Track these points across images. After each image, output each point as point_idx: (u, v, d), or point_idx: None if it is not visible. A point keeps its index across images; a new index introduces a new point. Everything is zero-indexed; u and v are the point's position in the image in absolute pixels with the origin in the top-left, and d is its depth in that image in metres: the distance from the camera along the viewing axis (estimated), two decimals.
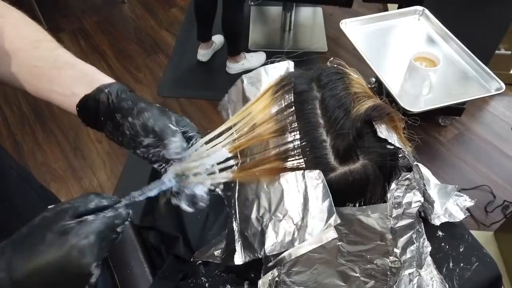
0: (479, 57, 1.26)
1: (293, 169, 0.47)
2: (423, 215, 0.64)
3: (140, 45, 2.55)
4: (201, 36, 2.32)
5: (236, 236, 0.50)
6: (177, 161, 0.53)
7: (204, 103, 2.20)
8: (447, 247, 0.66)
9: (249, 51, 2.43)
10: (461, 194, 0.70)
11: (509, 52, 2.14)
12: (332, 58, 0.57)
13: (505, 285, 1.52)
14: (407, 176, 0.51)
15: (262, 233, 0.46)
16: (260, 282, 0.52)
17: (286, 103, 0.50)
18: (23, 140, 2.03)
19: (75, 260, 0.41)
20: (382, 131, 0.48)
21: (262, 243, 0.45)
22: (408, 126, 0.56)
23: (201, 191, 0.53)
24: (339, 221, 0.42)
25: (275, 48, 2.50)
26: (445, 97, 1.20)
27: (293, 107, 0.49)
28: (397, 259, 0.51)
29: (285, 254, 0.46)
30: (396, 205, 0.52)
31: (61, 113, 2.11)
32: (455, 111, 1.94)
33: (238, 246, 0.49)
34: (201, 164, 0.52)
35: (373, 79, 1.82)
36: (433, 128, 2.08)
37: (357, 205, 0.50)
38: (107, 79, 0.56)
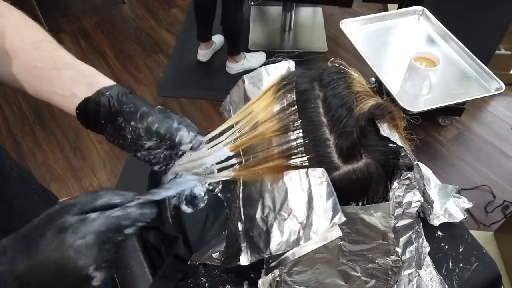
0: (479, 57, 1.26)
1: (296, 167, 0.47)
2: (422, 216, 0.64)
3: (140, 45, 2.55)
4: (201, 36, 2.32)
5: (242, 237, 0.50)
6: (177, 163, 0.53)
7: (204, 103, 2.20)
8: (446, 247, 0.66)
9: (249, 51, 2.43)
10: (460, 196, 0.70)
11: (509, 52, 2.14)
12: (332, 58, 0.58)
13: (505, 285, 1.52)
14: (408, 176, 0.51)
15: (267, 233, 0.46)
16: (260, 282, 0.52)
17: (288, 102, 0.50)
18: (23, 140, 2.03)
19: (71, 261, 0.38)
20: (385, 129, 0.49)
21: (268, 242, 0.45)
22: (408, 126, 0.56)
23: (199, 191, 0.52)
24: (344, 219, 0.42)
25: (275, 48, 2.50)
26: (445, 97, 1.20)
27: (295, 106, 0.49)
28: (399, 258, 0.51)
29: (289, 253, 0.46)
30: (396, 205, 0.52)
31: (61, 113, 2.11)
32: (455, 111, 1.94)
33: (243, 247, 0.49)
34: (202, 164, 0.52)
35: (373, 79, 1.81)
36: (433, 128, 2.08)
37: (359, 204, 0.50)
38: (108, 81, 0.56)
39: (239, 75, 0.59)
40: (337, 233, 0.43)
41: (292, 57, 0.59)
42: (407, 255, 0.55)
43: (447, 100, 1.19)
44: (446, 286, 0.61)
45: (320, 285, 0.50)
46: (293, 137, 0.48)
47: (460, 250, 0.67)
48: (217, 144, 0.52)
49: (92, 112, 0.53)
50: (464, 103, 1.88)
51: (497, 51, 1.95)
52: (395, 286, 0.53)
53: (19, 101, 2.17)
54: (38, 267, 0.39)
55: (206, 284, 0.67)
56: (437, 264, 0.62)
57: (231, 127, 0.52)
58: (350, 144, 0.47)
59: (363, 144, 0.48)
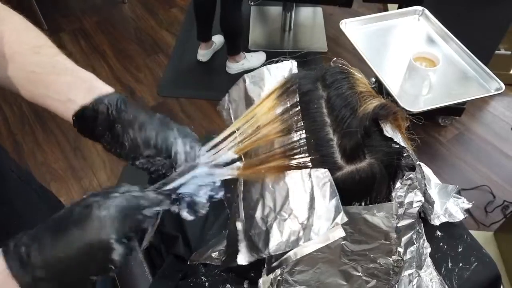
0: (479, 57, 1.26)
1: (299, 167, 0.47)
2: (423, 215, 0.64)
3: (140, 45, 2.55)
4: (201, 36, 2.32)
5: (241, 236, 0.50)
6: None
7: (204, 103, 2.20)
8: (445, 247, 0.66)
9: (249, 51, 2.43)
10: (459, 196, 0.70)
11: (509, 52, 2.14)
12: (335, 58, 0.58)
13: (504, 285, 1.52)
14: (410, 176, 0.51)
15: (267, 233, 0.46)
16: (260, 281, 0.52)
17: (291, 103, 0.50)
18: (23, 140, 2.03)
19: (95, 230, 0.41)
20: (388, 130, 0.49)
21: (267, 242, 0.45)
22: (409, 126, 0.57)
23: (202, 198, 0.52)
24: (346, 220, 0.42)
25: (275, 48, 2.50)
26: (445, 97, 1.20)
27: (299, 107, 0.49)
28: (400, 258, 0.51)
29: (290, 253, 0.46)
30: (398, 205, 0.52)
31: None
32: (455, 111, 1.94)
33: (242, 247, 0.49)
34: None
35: (373, 79, 1.81)
36: (433, 128, 2.08)
37: (362, 204, 0.50)
38: (106, 88, 0.56)
39: (239, 75, 0.59)
40: (340, 233, 0.43)
41: (292, 58, 0.59)
42: (408, 256, 0.55)
43: (447, 100, 1.19)
44: (446, 286, 0.61)
45: (321, 285, 0.50)
46: (296, 137, 0.48)
47: (459, 250, 0.67)
48: (221, 149, 0.52)
49: (89, 119, 0.53)
50: (464, 103, 1.88)
51: (497, 51, 1.95)
52: (396, 286, 0.53)
53: (19, 101, 2.17)
54: (66, 243, 0.41)
55: (206, 284, 0.67)
56: (436, 264, 0.62)
57: (235, 132, 0.52)
58: (354, 144, 0.47)
59: (366, 145, 0.48)
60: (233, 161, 0.51)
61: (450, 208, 0.67)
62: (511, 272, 1.52)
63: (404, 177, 0.51)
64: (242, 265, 0.49)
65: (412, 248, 0.55)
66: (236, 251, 0.49)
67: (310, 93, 0.50)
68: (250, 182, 0.52)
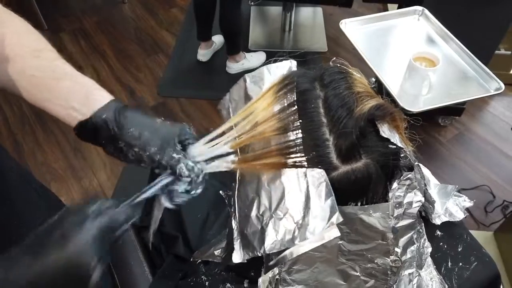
0: (479, 57, 1.26)
1: (295, 166, 0.48)
2: (424, 215, 0.64)
3: (140, 45, 2.55)
4: (201, 35, 2.32)
5: (235, 235, 0.50)
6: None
7: (204, 103, 2.21)
8: (445, 246, 0.67)
9: (249, 51, 2.43)
10: (460, 195, 0.70)
11: (509, 52, 2.14)
12: (334, 58, 0.58)
13: (504, 285, 1.52)
14: (408, 176, 0.51)
15: (262, 231, 0.46)
16: (260, 280, 0.52)
17: (288, 102, 0.50)
18: (24, 140, 2.03)
19: (75, 255, 0.43)
20: (385, 130, 0.49)
21: (262, 241, 0.45)
22: (408, 126, 0.57)
23: (178, 187, 0.54)
24: (341, 220, 0.42)
25: (275, 48, 2.50)
26: (445, 97, 1.20)
27: (296, 106, 0.49)
28: (398, 259, 0.51)
29: (287, 252, 0.47)
30: (397, 205, 0.52)
31: None
32: (455, 111, 1.94)
33: (237, 245, 0.49)
34: (202, 160, 0.53)
35: (373, 79, 1.81)
36: (433, 128, 2.08)
37: (359, 204, 0.50)
38: (104, 96, 0.56)
39: (239, 75, 0.59)
40: (335, 233, 0.43)
41: (292, 57, 0.59)
42: (408, 255, 0.55)
43: (447, 100, 1.19)
44: (446, 286, 0.61)
45: (319, 284, 0.50)
46: (292, 137, 0.48)
47: (459, 249, 0.67)
48: (217, 143, 0.52)
49: (89, 132, 0.54)
50: (464, 103, 1.88)
51: (497, 51, 1.95)
52: (394, 286, 0.53)
53: (19, 101, 2.17)
54: (46, 269, 0.42)
55: (207, 283, 0.67)
56: (436, 263, 0.62)
57: (232, 127, 0.53)
58: (349, 144, 0.47)
59: (362, 145, 0.48)
60: (227, 154, 0.52)
61: (450, 207, 0.67)
62: (511, 272, 1.52)
63: (402, 177, 0.51)
64: (242, 265, 0.49)
65: (412, 248, 0.55)
66: (233, 249, 0.49)
67: (307, 93, 0.51)
68: (246, 180, 0.52)
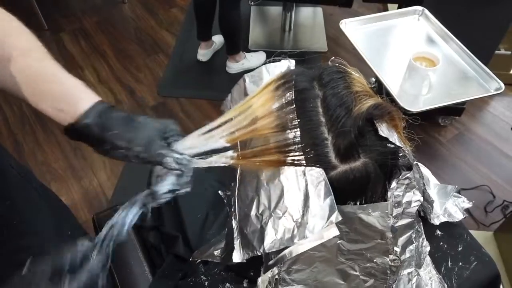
0: (479, 57, 1.26)
1: (294, 164, 0.48)
2: (423, 215, 0.64)
3: (140, 45, 2.55)
4: (201, 35, 2.32)
5: (235, 234, 0.50)
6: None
7: (204, 103, 2.21)
8: (445, 246, 0.67)
9: (249, 51, 2.43)
10: (460, 196, 0.70)
11: (509, 52, 2.14)
12: (333, 57, 0.58)
13: (504, 285, 1.52)
14: (407, 175, 0.51)
15: (262, 231, 0.46)
16: (259, 280, 0.52)
17: (286, 101, 0.50)
18: (24, 140, 2.03)
19: None
20: (383, 129, 0.49)
21: (262, 240, 0.45)
22: (408, 126, 0.57)
23: (163, 188, 0.55)
24: (340, 219, 0.42)
25: (275, 48, 2.50)
26: (445, 97, 1.20)
27: (294, 105, 0.49)
28: (397, 258, 0.51)
29: (286, 252, 0.47)
30: (396, 204, 0.52)
31: None
32: (455, 111, 1.94)
33: (236, 244, 0.49)
34: (196, 152, 0.54)
35: (373, 79, 1.81)
36: (433, 128, 2.08)
37: (358, 203, 0.50)
38: (89, 98, 0.57)
39: (239, 75, 0.59)
40: (334, 232, 0.43)
41: (292, 57, 0.59)
42: (407, 254, 0.55)
43: (447, 100, 1.19)
44: (445, 285, 0.61)
45: (318, 284, 0.50)
46: (291, 135, 0.48)
47: (459, 249, 0.67)
48: (213, 136, 0.53)
49: (76, 134, 0.55)
50: (464, 103, 1.88)
51: (497, 51, 1.95)
52: (393, 285, 0.53)
53: (19, 101, 2.17)
54: None
55: (206, 283, 0.67)
56: (436, 263, 0.62)
57: (229, 120, 0.53)
58: (348, 144, 0.47)
59: (360, 144, 0.48)
60: (225, 149, 0.52)
61: (449, 208, 0.67)
62: (511, 272, 1.52)
63: (401, 176, 0.51)
64: (241, 264, 0.49)
65: (411, 247, 0.55)
66: (233, 249, 0.49)
67: (306, 92, 0.51)
68: (246, 180, 0.52)
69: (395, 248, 0.51)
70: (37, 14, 2.52)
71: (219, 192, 0.85)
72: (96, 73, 2.36)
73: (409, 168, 0.53)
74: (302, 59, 2.34)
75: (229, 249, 0.52)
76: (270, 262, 0.49)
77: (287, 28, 2.61)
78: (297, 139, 0.48)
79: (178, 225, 0.84)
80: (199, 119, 2.13)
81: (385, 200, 0.52)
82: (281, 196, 0.46)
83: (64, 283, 0.46)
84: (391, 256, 0.50)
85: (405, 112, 1.14)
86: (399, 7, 1.78)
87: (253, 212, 0.48)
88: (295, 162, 0.48)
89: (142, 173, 0.85)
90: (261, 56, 2.38)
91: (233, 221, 0.52)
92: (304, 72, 0.54)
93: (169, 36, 2.62)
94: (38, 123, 2.09)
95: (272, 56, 0.59)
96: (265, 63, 0.59)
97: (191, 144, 0.54)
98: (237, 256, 0.49)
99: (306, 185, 0.45)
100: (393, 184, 0.51)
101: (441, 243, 0.67)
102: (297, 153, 0.48)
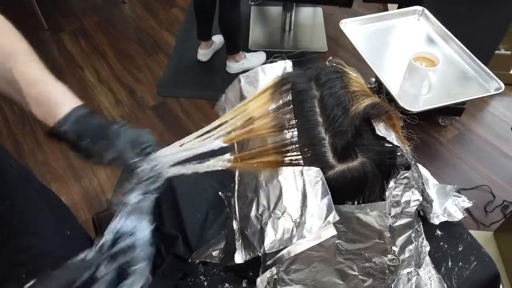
0: (479, 57, 1.26)
1: (291, 164, 0.48)
2: (422, 214, 0.64)
3: (140, 45, 2.55)
4: (201, 35, 2.32)
5: (237, 235, 0.50)
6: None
7: (204, 103, 2.21)
8: (446, 246, 0.67)
9: (249, 51, 2.43)
10: (460, 195, 0.70)
11: (509, 52, 2.14)
12: (331, 57, 0.58)
13: (504, 285, 1.51)
14: (405, 175, 0.51)
15: (262, 231, 0.46)
16: (258, 280, 0.52)
17: (284, 102, 0.50)
18: (24, 140, 2.03)
19: None
20: (381, 129, 0.49)
21: (262, 240, 0.46)
22: (407, 126, 0.57)
23: (133, 198, 0.55)
24: (338, 218, 0.42)
25: (275, 48, 2.50)
26: (445, 97, 1.20)
27: (291, 105, 0.50)
28: (395, 257, 0.51)
29: (284, 252, 0.47)
30: (394, 204, 0.52)
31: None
32: (455, 111, 1.94)
33: (238, 245, 0.49)
34: (193, 154, 0.54)
35: (373, 79, 1.81)
36: (433, 128, 2.08)
37: (355, 203, 0.50)
38: (68, 103, 0.57)
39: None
40: (331, 232, 0.43)
41: (292, 57, 0.59)
42: (406, 254, 0.55)
43: (447, 100, 1.19)
44: (445, 285, 0.61)
45: (317, 284, 0.50)
46: (288, 135, 0.48)
47: (460, 249, 0.67)
48: (209, 137, 0.53)
49: (58, 139, 0.57)
50: (464, 103, 1.88)
51: (497, 51, 1.95)
52: (392, 285, 0.53)
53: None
54: None
55: (205, 283, 0.67)
56: (436, 263, 0.62)
57: (225, 122, 0.53)
58: (345, 143, 0.47)
59: (358, 144, 0.48)
60: (222, 151, 0.52)
61: (449, 208, 0.67)
62: (511, 272, 1.52)
63: (399, 176, 0.51)
64: (240, 265, 0.49)
65: (410, 247, 0.55)
66: (233, 250, 0.49)
67: (303, 93, 0.51)
68: (245, 181, 0.52)
69: (393, 248, 0.51)
70: (37, 14, 2.52)
71: (220, 193, 0.85)
72: (96, 73, 2.36)
73: (408, 167, 0.53)
74: (302, 59, 2.34)
75: (229, 250, 0.52)
76: (269, 262, 0.49)
77: (287, 28, 2.61)
78: (294, 139, 0.48)
79: (178, 225, 0.84)
80: (199, 119, 2.13)
81: (383, 199, 0.51)
82: (279, 196, 0.46)
83: None
84: (389, 256, 0.50)
85: (403, 111, 1.14)
86: (399, 7, 1.78)
87: (253, 213, 0.48)
88: (293, 162, 0.48)
89: None
90: (261, 56, 2.38)
91: (234, 222, 0.52)
92: (302, 74, 0.54)
93: (169, 36, 2.62)
94: (38, 123, 2.07)
95: (272, 56, 0.59)
96: (265, 63, 0.59)
97: (171, 152, 0.55)
98: (239, 257, 0.49)
99: (304, 185, 0.45)
100: (391, 183, 0.51)
101: (441, 243, 0.67)
102: (294, 153, 0.48)
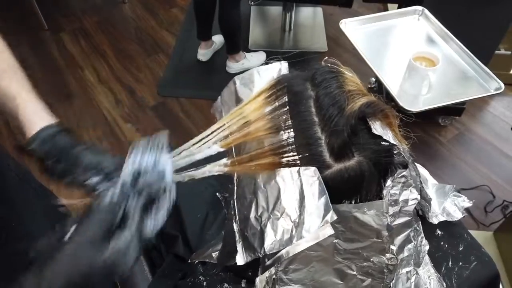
0: (479, 57, 1.26)
1: (288, 165, 0.48)
2: (421, 214, 0.64)
3: (140, 45, 2.55)
4: (201, 35, 2.32)
5: (237, 237, 0.50)
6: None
7: (204, 103, 2.21)
8: (446, 246, 0.67)
9: (249, 51, 2.43)
10: (460, 195, 0.70)
11: (509, 52, 2.14)
12: (326, 57, 0.58)
13: (504, 285, 1.51)
14: (403, 173, 0.51)
15: (262, 232, 0.46)
16: (257, 280, 0.52)
17: (280, 103, 0.50)
18: (24, 140, 2.03)
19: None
20: (377, 128, 0.49)
21: (262, 242, 0.46)
22: (406, 125, 0.56)
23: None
24: (335, 218, 0.42)
25: (275, 48, 2.50)
26: (444, 97, 1.20)
27: (287, 107, 0.50)
28: (394, 256, 0.51)
29: (283, 252, 0.47)
30: (392, 203, 0.52)
31: (60, 113, 2.11)
32: (455, 111, 1.94)
33: (239, 247, 0.49)
34: (191, 160, 0.54)
35: (373, 79, 1.81)
36: (433, 128, 2.07)
37: (353, 202, 0.50)
38: (38, 122, 0.59)
39: None
40: (329, 231, 0.43)
41: (292, 57, 0.59)
42: (405, 253, 0.55)
43: (447, 100, 1.19)
44: (444, 284, 0.61)
45: (316, 283, 0.50)
46: (285, 136, 0.49)
47: (460, 249, 0.67)
48: (206, 142, 0.53)
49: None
50: (464, 103, 1.88)
51: (497, 51, 1.95)
52: (391, 284, 0.53)
53: None
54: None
55: (204, 283, 0.67)
56: (436, 263, 0.62)
57: (221, 127, 0.53)
58: (341, 142, 0.47)
59: (354, 143, 0.48)
60: (219, 156, 0.52)
61: (448, 207, 0.67)
62: (511, 272, 1.52)
63: (396, 175, 0.51)
64: (239, 265, 0.49)
65: (409, 246, 0.55)
66: (232, 251, 0.49)
67: (299, 93, 0.51)
68: (243, 183, 0.52)
69: (392, 247, 0.51)
70: (37, 14, 2.53)
71: (217, 194, 0.85)
72: (96, 73, 2.36)
73: (405, 166, 0.53)
74: (302, 60, 2.34)
75: (225, 251, 0.52)
76: (268, 263, 0.50)
77: (287, 28, 2.61)
78: (291, 140, 0.48)
79: (178, 225, 0.84)
80: (199, 119, 2.13)
81: (381, 198, 0.51)
82: (278, 197, 0.46)
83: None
84: (387, 255, 0.50)
85: (401, 110, 1.14)
86: (399, 7, 1.78)
87: (252, 215, 0.48)
88: (290, 163, 0.48)
89: None
90: (261, 56, 2.38)
91: (234, 224, 0.52)
92: (298, 76, 0.54)
93: (169, 36, 2.62)
94: None
95: (273, 57, 0.59)
96: (265, 63, 0.59)
97: (187, 152, 0.55)
98: (240, 259, 0.49)
99: (302, 184, 0.45)
100: (389, 182, 0.51)
101: (442, 243, 0.67)
102: (291, 154, 0.48)
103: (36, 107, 0.60)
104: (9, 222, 0.75)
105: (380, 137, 0.48)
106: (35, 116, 0.59)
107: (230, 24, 2.15)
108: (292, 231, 0.44)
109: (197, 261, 0.71)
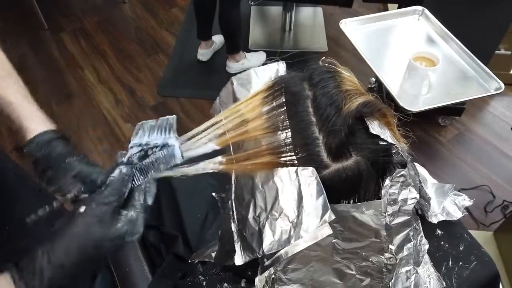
0: (479, 57, 1.26)
1: (286, 165, 0.48)
2: (420, 213, 0.64)
3: (140, 45, 2.55)
4: (201, 35, 2.32)
5: (235, 237, 0.50)
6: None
7: (204, 103, 2.21)
8: (446, 245, 0.66)
9: (249, 51, 2.43)
10: (460, 194, 0.70)
11: (509, 52, 2.14)
12: (323, 57, 0.58)
13: (504, 285, 1.51)
14: (402, 173, 0.51)
15: (260, 233, 0.46)
16: (257, 279, 0.52)
17: (277, 103, 0.50)
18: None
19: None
20: (375, 127, 0.49)
21: (260, 242, 0.46)
22: (405, 124, 0.56)
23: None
24: (333, 217, 0.42)
25: (275, 48, 2.50)
26: (444, 97, 1.20)
27: (285, 107, 0.50)
28: (392, 256, 0.51)
29: (282, 252, 0.47)
30: (391, 202, 0.52)
31: (60, 113, 2.12)
32: (455, 111, 1.94)
33: (237, 247, 0.49)
34: (187, 157, 0.54)
35: (373, 79, 1.81)
36: (433, 128, 2.07)
37: (351, 202, 0.50)
38: (33, 128, 0.60)
39: None
40: (327, 231, 0.43)
41: (292, 57, 0.59)
42: (405, 252, 0.55)
43: (447, 100, 1.19)
44: (444, 283, 0.61)
45: (315, 283, 0.50)
46: (282, 136, 0.49)
47: (461, 248, 0.67)
48: (201, 139, 0.53)
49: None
50: (464, 103, 1.88)
51: (497, 51, 1.94)
52: (390, 283, 0.53)
53: None
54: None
55: (204, 283, 0.67)
56: (437, 262, 0.62)
57: (218, 122, 0.53)
58: (339, 142, 0.47)
59: (351, 142, 0.48)
60: (216, 153, 0.53)
61: (447, 207, 0.67)
62: (511, 272, 1.52)
63: (395, 174, 0.51)
64: (238, 264, 0.49)
65: (409, 245, 0.55)
66: (230, 251, 0.49)
67: (296, 94, 0.51)
68: (241, 183, 0.52)
69: (390, 246, 0.51)
70: (37, 14, 2.53)
71: (213, 194, 0.86)
72: (96, 73, 2.36)
73: (404, 165, 0.53)
74: (302, 60, 2.34)
75: (223, 250, 0.52)
76: (267, 263, 0.50)
77: (287, 28, 2.61)
78: (288, 140, 0.48)
79: (178, 225, 0.84)
80: (199, 119, 2.13)
81: (379, 198, 0.51)
82: (276, 197, 0.47)
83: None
84: (386, 255, 0.50)
85: (397, 109, 1.14)
86: (399, 7, 1.78)
87: (250, 215, 0.48)
88: (288, 163, 0.48)
89: None
90: (261, 56, 2.38)
91: (232, 224, 0.52)
92: (295, 76, 0.54)
93: (169, 36, 2.62)
94: None
95: (273, 57, 0.59)
96: (265, 63, 0.59)
97: (183, 148, 0.55)
98: (239, 259, 0.49)
99: (299, 184, 0.45)
100: (387, 181, 0.51)
101: (442, 243, 0.67)
102: (289, 154, 0.48)
103: (32, 113, 0.61)
104: (8, 221, 0.75)
105: (378, 136, 0.48)
106: (31, 122, 0.60)
107: (230, 24, 2.15)
108: (290, 232, 0.44)
109: (196, 261, 0.71)
